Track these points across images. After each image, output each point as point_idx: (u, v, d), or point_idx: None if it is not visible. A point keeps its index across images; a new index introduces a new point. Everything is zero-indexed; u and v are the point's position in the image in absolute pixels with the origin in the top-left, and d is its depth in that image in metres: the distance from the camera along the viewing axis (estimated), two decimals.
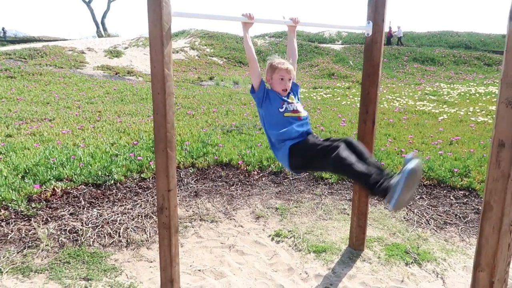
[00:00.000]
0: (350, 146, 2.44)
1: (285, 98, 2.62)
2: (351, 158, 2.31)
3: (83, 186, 4.38)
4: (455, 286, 2.92)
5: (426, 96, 13.14)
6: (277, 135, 2.57)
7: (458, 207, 4.26)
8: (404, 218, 4.01)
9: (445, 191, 4.63)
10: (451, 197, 4.49)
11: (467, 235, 3.68)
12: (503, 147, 1.72)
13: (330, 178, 4.94)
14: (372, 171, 2.26)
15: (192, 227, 3.78)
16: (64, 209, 3.86)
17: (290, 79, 2.62)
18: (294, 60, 2.79)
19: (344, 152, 2.32)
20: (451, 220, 3.96)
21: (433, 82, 18.00)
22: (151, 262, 3.17)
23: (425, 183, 4.84)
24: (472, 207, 4.23)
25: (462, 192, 4.60)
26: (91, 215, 3.79)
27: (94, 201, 4.10)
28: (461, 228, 3.81)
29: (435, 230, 3.77)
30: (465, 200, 4.41)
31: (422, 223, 3.90)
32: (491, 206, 1.80)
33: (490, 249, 1.82)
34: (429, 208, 4.22)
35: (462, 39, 27.76)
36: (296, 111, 2.58)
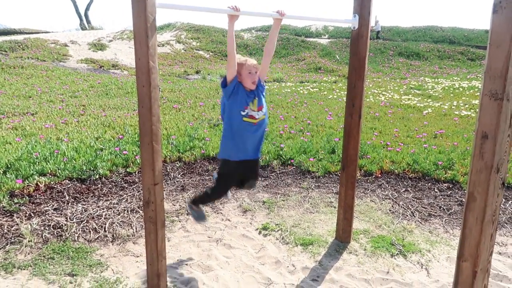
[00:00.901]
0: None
1: (249, 101, 2.77)
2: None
3: (67, 181, 4.31)
4: (439, 276, 2.97)
5: (411, 90, 13.29)
6: (230, 138, 2.81)
7: (442, 199, 4.33)
8: (390, 210, 4.06)
9: (429, 184, 4.70)
10: (436, 190, 4.56)
11: (451, 227, 3.75)
12: (487, 138, 1.75)
13: (317, 172, 4.96)
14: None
15: (179, 221, 3.76)
16: (48, 204, 3.80)
17: (256, 72, 2.78)
18: (271, 55, 2.89)
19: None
20: (436, 212, 4.03)
21: (418, 77, 18.21)
22: (138, 256, 3.14)
23: (410, 176, 4.90)
24: (456, 199, 4.30)
25: (446, 184, 4.68)
26: (75, 210, 3.73)
27: (78, 196, 4.04)
28: (445, 219, 3.88)
29: (420, 222, 3.82)
30: (449, 193, 4.48)
31: (407, 215, 3.95)
32: (475, 197, 1.82)
33: (473, 239, 1.85)
34: (414, 201, 4.28)
35: (446, 34, 28.11)
36: (252, 116, 2.76)
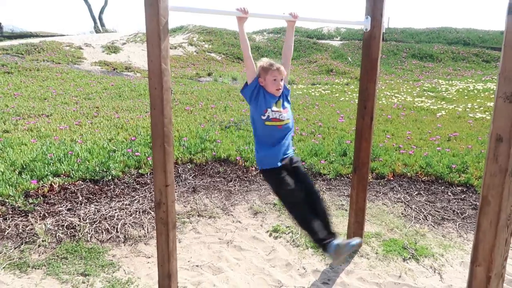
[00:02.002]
0: (310, 197, 2.66)
1: (272, 102, 2.65)
2: (305, 214, 2.61)
3: (80, 181, 4.37)
4: (452, 281, 2.93)
5: (425, 92, 13.14)
6: (259, 146, 2.70)
7: (456, 203, 4.27)
8: (402, 214, 4.02)
9: (443, 187, 4.64)
10: (449, 193, 4.49)
11: (465, 231, 3.69)
12: (501, 141, 1.72)
13: (328, 174, 4.94)
14: (318, 229, 2.57)
15: (190, 222, 3.78)
16: (62, 205, 3.85)
17: (282, 79, 2.66)
18: (289, 58, 2.81)
19: (293, 208, 2.65)
20: (449, 216, 3.97)
21: (431, 79, 17.99)
22: (149, 257, 3.17)
23: (423, 179, 4.84)
24: (470, 203, 4.24)
25: (460, 188, 4.61)
26: (88, 211, 3.78)
27: (91, 196, 4.09)
28: (459, 224, 3.82)
29: (433, 226, 3.77)
30: (463, 196, 4.41)
31: (420, 219, 3.90)
32: (489, 201, 1.79)
33: (487, 244, 1.82)
34: (427, 204, 4.22)
35: (461, 36, 27.72)
36: (276, 119, 2.63)
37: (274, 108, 2.64)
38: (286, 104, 2.73)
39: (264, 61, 2.68)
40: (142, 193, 4.27)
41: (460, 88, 13.76)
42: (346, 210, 4.02)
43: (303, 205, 2.62)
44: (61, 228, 3.46)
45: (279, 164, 2.65)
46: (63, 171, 4.47)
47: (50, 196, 4.00)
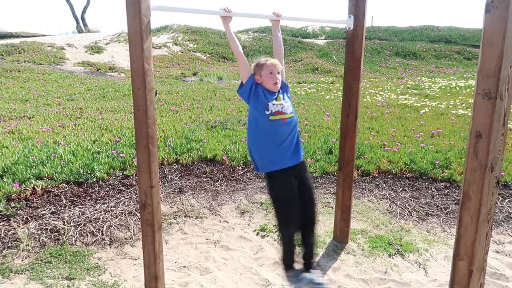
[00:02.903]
0: (306, 217, 2.63)
1: (272, 98, 2.53)
2: (288, 236, 2.63)
3: (64, 184, 4.30)
4: (436, 275, 2.98)
5: (408, 90, 13.31)
6: (263, 145, 2.54)
7: (440, 198, 4.34)
8: (387, 210, 4.07)
9: (427, 183, 4.71)
10: (433, 189, 4.57)
11: (448, 226, 3.76)
12: (480, 137, 1.75)
13: (315, 172, 4.96)
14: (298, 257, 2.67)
15: (177, 223, 3.76)
16: (45, 208, 3.79)
17: (279, 73, 2.56)
18: (281, 55, 2.74)
19: (286, 230, 2.62)
20: (433, 211, 4.04)
21: (415, 76, 18.24)
22: (135, 259, 3.14)
23: (407, 175, 4.91)
24: (453, 198, 4.31)
25: (443, 183, 4.69)
26: (73, 214, 3.72)
27: (76, 199, 4.04)
28: (443, 219, 3.89)
29: (418, 222, 3.83)
30: (446, 192, 4.49)
31: (404, 215, 3.96)
32: (470, 196, 1.83)
33: (469, 238, 1.86)
34: (411, 200, 4.29)
35: (443, 34, 28.16)
36: (279, 112, 2.49)
37: (275, 102, 2.51)
38: (286, 98, 2.60)
39: (258, 58, 2.62)
40: (128, 195, 4.23)
41: (443, 85, 13.99)
42: (332, 207, 4.05)
43: (296, 226, 2.57)
44: (44, 232, 3.40)
45: (289, 164, 2.51)
46: (46, 174, 4.39)
47: (33, 200, 3.93)
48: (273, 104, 2.49)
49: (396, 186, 4.64)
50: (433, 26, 30.11)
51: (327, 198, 4.33)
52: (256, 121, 2.53)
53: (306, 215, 2.62)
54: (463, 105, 10.05)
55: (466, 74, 17.92)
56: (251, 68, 2.60)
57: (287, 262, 2.71)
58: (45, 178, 4.34)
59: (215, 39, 23.82)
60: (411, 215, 3.96)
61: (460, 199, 1.87)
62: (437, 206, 4.14)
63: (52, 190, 4.15)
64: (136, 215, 3.80)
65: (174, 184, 4.63)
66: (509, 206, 4.11)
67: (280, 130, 2.50)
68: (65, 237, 3.34)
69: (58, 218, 3.64)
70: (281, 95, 2.57)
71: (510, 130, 7.15)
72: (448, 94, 12.17)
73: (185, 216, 3.89)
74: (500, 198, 4.29)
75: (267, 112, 2.47)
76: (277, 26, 2.79)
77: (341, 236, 3.40)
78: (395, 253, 3.26)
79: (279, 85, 2.57)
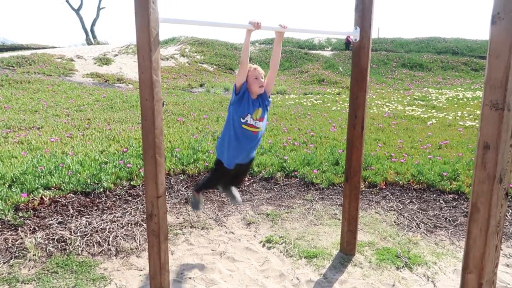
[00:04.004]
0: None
1: (253, 110, 2.88)
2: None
3: (71, 194, 4.33)
4: None
5: (415, 101, 13.28)
6: (228, 143, 2.95)
7: (448, 210, 4.29)
8: (395, 222, 4.03)
9: (434, 195, 4.67)
10: (441, 201, 4.52)
11: (457, 238, 3.71)
12: (488, 149, 1.74)
13: (321, 184, 4.95)
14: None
15: (183, 234, 3.75)
16: (52, 218, 3.81)
17: (262, 78, 2.90)
18: (275, 69, 2.98)
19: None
20: (441, 224, 3.99)
21: (421, 88, 18.21)
22: (141, 270, 3.13)
23: (415, 187, 4.87)
24: (462, 210, 4.26)
25: (451, 195, 4.64)
26: (79, 224, 3.74)
27: (83, 209, 4.05)
28: (451, 231, 3.84)
29: (426, 234, 3.79)
30: (454, 204, 4.44)
31: (412, 227, 3.92)
32: (478, 208, 1.81)
33: (478, 251, 1.83)
34: (419, 212, 4.24)
35: (449, 45, 28.18)
36: (253, 126, 2.89)
37: (253, 117, 2.88)
38: (264, 113, 2.97)
39: (250, 65, 2.92)
40: (134, 205, 4.24)
41: (450, 97, 13.94)
42: (339, 219, 4.02)
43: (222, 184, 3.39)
44: (51, 242, 3.41)
45: (232, 167, 3.02)
46: (54, 184, 4.42)
47: (40, 209, 3.95)
48: (250, 117, 2.88)
49: (403, 198, 4.60)
50: (440, 38, 30.16)
51: (334, 210, 4.30)
52: (233, 123, 2.89)
53: (233, 182, 3.41)
54: (471, 116, 9.99)
55: (473, 85, 17.86)
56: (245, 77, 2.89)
57: (202, 188, 3.47)
58: (52, 188, 4.37)
59: (222, 51, 24.05)
60: (419, 227, 3.92)
61: (469, 211, 1.85)
62: (446, 219, 4.09)
63: (60, 200, 4.17)
64: (142, 225, 3.81)
65: (181, 194, 4.63)
66: None
67: (249, 137, 2.92)
68: (72, 247, 3.35)
69: (65, 228, 3.66)
70: (260, 109, 2.92)
71: None
72: (456, 105, 12.12)
73: (191, 227, 3.89)
74: (510, 211, 4.23)
75: (243, 120, 2.86)
76: (279, 40, 2.85)
77: (348, 248, 3.36)
78: (403, 266, 3.21)
79: (263, 88, 2.91)
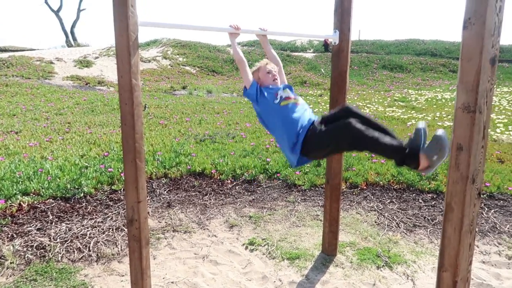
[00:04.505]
0: (355, 116, 2.46)
1: (279, 88, 2.69)
2: (369, 131, 2.31)
3: (51, 200, 4.25)
4: (424, 287, 2.99)
5: (395, 102, 13.50)
6: (282, 130, 2.61)
7: (427, 209, 4.38)
8: (375, 222, 4.10)
9: (414, 195, 4.76)
10: (420, 200, 4.61)
11: (436, 237, 3.79)
12: (461, 150, 1.80)
13: (303, 185, 4.99)
14: (396, 142, 2.34)
15: (165, 238, 3.73)
16: (31, 225, 3.74)
17: (276, 71, 2.78)
18: (277, 62, 2.93)
19: (358, 125, 2.32)
20: (420, 223, 4.07)
21: (401, 89, 18.53)
22: (123, 276, 3.10)
23: (395, 187, 4.96)
24: (440, 209, 4.36)
25: (430, 195, 4.75)
26: (59, 230, 3.67)
27: (62, 215, 3.99)
28: (430, 230, 3.92)
29: (405, 233, 3.86)
30: (433, 203, 4.54)
31: (392, 227, 3.99)
32: (452, 208, 1.86)
33: (452, 250, 1.88)
34: (399, 212, 4.32)
35: (428, 47, 28.74)
36: (289, 97, 2.65)
37: (282, 93, 2.68)
38: (293, 92, 2.74)
39: (256, 65, 2.85)
40: (116, 210, 4.19)
41: (429, 98, 14.22)
42: (321, 220, 4.06)
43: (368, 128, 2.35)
44: (30, 249, 3.35)
45: (318, 128, 2.52)
46: (33, 190, 4.34)
47: (18, 216, 3.87)
48: (282, 92, 2.68)
49: (384, 198, 4.68)
50: (419, 40, 30.74)
51: (316, 211, 4.34)
52: (269, 113, 2.66)
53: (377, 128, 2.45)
54: (449, 117, 10.22)
55: (451, 87, 18.26)
56: (252, 76, 2.77)
57: (392, 150, 2.36)
58: (31, 194, 4.28)
59: (205, 53, 23.96)
60: (399, 226, 3.99)
61: (444, 211, 1.91)
62: (424, 217, 4.18)
63: (39, 206, 4.09)
64: (124, 230, 3.77)
65: (163, 198, 4.60)
66: (494, 217, 4.17)
67: (295, 110, 2.62)
68: (51, 254, 3.29)
69: (44, 234, 3.59)
70: (287, 89, 2.73)
71: (495, 142, 7.28)
72: (434, 106, 12.38)
73: (173, 231, 3.87)
74: (486, 209, 4.35)
75: (277, 101, 2.63)
76: (266, 41, 2.92)
77: (329, 249, 3.40)
78: (383, 265, 3.27)
79: (278, 80, 2.78)
